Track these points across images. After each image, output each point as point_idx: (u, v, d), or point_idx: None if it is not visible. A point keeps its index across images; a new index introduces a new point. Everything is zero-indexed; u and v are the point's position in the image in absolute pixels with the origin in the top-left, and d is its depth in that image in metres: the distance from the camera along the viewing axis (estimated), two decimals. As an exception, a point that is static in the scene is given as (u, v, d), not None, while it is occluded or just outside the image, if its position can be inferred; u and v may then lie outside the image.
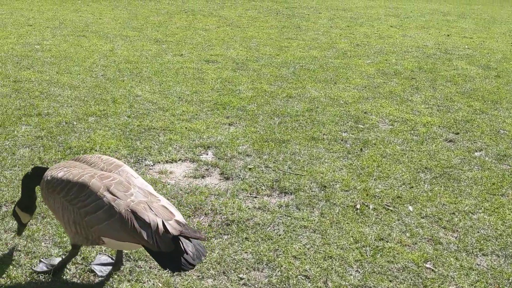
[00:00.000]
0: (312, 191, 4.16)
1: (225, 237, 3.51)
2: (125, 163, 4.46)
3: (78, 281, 3.01)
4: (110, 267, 3.09)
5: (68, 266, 3.10)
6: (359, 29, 11.56)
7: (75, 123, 5.28)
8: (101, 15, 11.37)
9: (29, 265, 3.12)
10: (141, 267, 3.15)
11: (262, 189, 4.16)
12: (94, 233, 2.70)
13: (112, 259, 3.17)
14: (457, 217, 3.91)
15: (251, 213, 3.79)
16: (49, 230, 3.44)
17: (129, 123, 5.36)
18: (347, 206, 3.97)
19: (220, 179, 4.33)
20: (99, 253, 3.22)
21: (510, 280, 3.24)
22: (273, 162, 4.64)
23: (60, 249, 3.27)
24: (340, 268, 3.25)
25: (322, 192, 4.16)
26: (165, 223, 2.59)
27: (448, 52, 9.48)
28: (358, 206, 3.97)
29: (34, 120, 5.27)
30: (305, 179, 4.34)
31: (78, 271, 3.09)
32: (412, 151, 5.05)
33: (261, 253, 3.33)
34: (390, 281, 3.17)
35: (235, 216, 3.74)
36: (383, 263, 3.32)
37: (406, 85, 7.26)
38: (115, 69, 7.29)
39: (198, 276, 3.10)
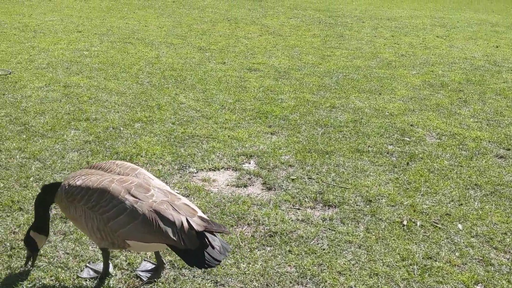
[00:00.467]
0: (357, 205, 4.07)
1: (268, 248, 3.47)
2: (169, 169, 4.51)
3: (124, 287, 3.05)
4: (154, 273, 3.12)
5: (114, 271, 3.14)
6: (403, 39, 11.35)
7: (121, 128, 5.39)
8: (147, 23, 11.63)
9: (77, 268, 3.18)
10: (185, 276, 3.16)
11: (305, 201, 4.11)
12: (118, 237, 2.70)
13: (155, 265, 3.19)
14: (509, 237, 3.74)
15: (294, 225, 3.74)
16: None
17: (173, 130, 5.42)
18: (393, 222, 3.86)
19: (263, 189, 4.31)
20: (144, 260, 3.26)
21: None
22: (316, 174, 4.58)
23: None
24: (386, 286, 3.16)
25: (368, 206, 4.06)
26: (189, 220, 2.60)
27: (497, 64, 9.16)
28: (405, 222, 3.86)
29: (83, 125, 5.41)
30: (350, 192, 4.26)
31: (124, 276, 3.13)
32: (461, 166, 4.88)
33: (305, 267, 3.28)
34: (439, 302, 3.05)
35: (278, 227, 3.70)
36: (432, 283, 3.21)
37: (453, 98, 7.05)
38: (160, 76, 7.41)
39: (241, 288, 3.08)
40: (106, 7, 13.40)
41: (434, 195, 4.31)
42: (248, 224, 3.75)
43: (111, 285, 3.04)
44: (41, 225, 3.02)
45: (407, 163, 4.88)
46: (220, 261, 2.60)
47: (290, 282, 3.15)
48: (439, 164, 4.90)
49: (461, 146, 5.38)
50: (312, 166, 4.72)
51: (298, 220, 3.83)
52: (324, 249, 3.49)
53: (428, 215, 3.99)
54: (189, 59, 8.54)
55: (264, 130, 5.58)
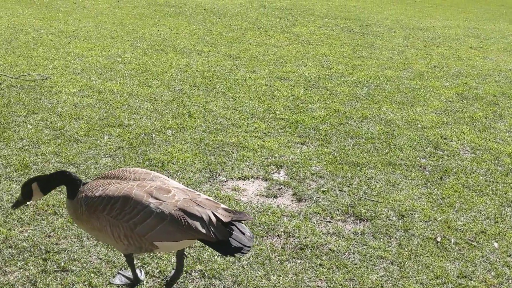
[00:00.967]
0: (389, 220, 4.01)
1: (299, 261, 3.45)
2: (200, 178, 4.54)
3: (155, 295, 3.07)
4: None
5: (145, 279, 3.16)
6: (436, 49, 11.18)
7: (153, 135, 5.46)
8: (178, 30, 11.78)
9: (109, 274, 3.21)
10: (215, 285, 3.16)
11: (336, 213, 4.07)
12: (147, 240, 2.73)
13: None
14: (548, 258, 3.62)
15: (325, 239, 3.70)
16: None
17: (204, 137, 5.46)
18: (426, 238, 3.78)
19: (293, 200, 4.28)
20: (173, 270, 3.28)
21: None
22: (348, 186, 4.53)
23: (138, 261, 3.35)
24: (419, 305, 3.09)
25: (400, 221, 3.99)
26: (215, 213, 2.70)
27: (534, 77, 8.91)
28: (438, 239, 3.77)
29: (116, 131, 5.50)
30: (382, 206, 4.19)
31: (155, 284, 3.15)
32: (497, 182, 4.75)
33: (336, 282, 3.24)
34: (475, 324, 2.96)
35: (308, 240, 3.67)
36: (467, 303, 3.12)
37: (488, 111, 6.89)
38: (191, 84, 7.49)
39: (272, 300, 3.06)
40: (139, 14, 13.64)
41: (469, 211, 4.20)
42: (278, 235, 3.73)
43: (143, 293, 3.07)
44: (47, 185, 2.96)
45: (441, 178, 4.78)
46: (250, 247, 2.70)
47: (321, 297, 3.12)
48: (474, 179, 4.79)
49: (496, 162, 5.24)
50: (343, 178, 4.67)
51: (329, 233, 3.79)
52: (355, 264, 3.44)
53: (462, 232, 3.89)
54: (220, 67, 8.60)
55: (294, 140, 5.56)
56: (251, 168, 4.79)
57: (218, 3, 16.65)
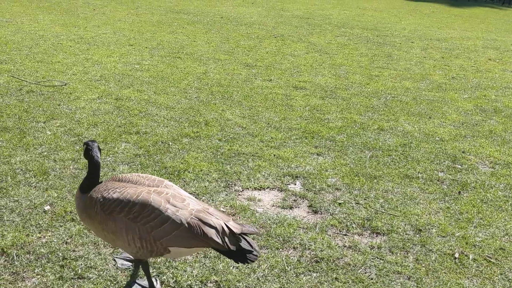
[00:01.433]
0: (406, 234, 3.96)
1: (314, 274, 3.42)
2: (215, 187, 4.54)
3: (170, 305, 3.07)
4: None
5: (161, 288, 3.17)
6: (454, 60, 11.08)
7: (170, 143, 5.49)
8: (195, 38, 11.87)
9: (125, 282, 3.23)
10: (230, 297, 3.15)
11: (352, 226, 4.04)
12: (161, 244, 2.80)
13: None
14: None
15: (341, 252, 3.67)
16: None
17: (220, 146, 5.47)
18: (444, 254, 3.73)
19: (309, 212, 4.26)
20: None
21: None
22: (364, 199, 4.49)
23: (154, 270, 3.36)
24: (437, 323, 3.04)
25: (417, 236, 3.95)
26: (228, 224, 2.82)
27: (555, 90, 8.78)
28: (456, 255, 3.72)
29: (133, 138, 5.54)
30: (399, 220, 4.15)
31: (170, 294, 3.15)
32: (517, 198, 4.68)
33: (352, 297, 3.21)
34: None
35: (324, 253, 3.64)
36: (486, 322, 3.06)
37: (507, 125, 6.80)
38: (208, 92, 7.52)
39: (287, 314, 3.04)
40: (157, 21, 13.78)
41: (488, 227, 4.14)
42: (293, 248, 3.72)
43: (158, 302, 3.07)
44: (88, 155, 3.03)
45: (459, 192, 4.72)
46: (258, 256, 2.85)
47: (337, 311, 3.09)
48: (492, 194, 4.72)
49: (516, 177, 5.16)
50: (360, 191, 4.64)
51: (345, 246, 3.76)
52: (372, 279, 3.40)
53: (481, 248, 3.83)
54: (236, 75, 8.63)
55: (310, 150, 5.55)
56: (266, 178, 4.78)
57: (235, 12, 16.75)
